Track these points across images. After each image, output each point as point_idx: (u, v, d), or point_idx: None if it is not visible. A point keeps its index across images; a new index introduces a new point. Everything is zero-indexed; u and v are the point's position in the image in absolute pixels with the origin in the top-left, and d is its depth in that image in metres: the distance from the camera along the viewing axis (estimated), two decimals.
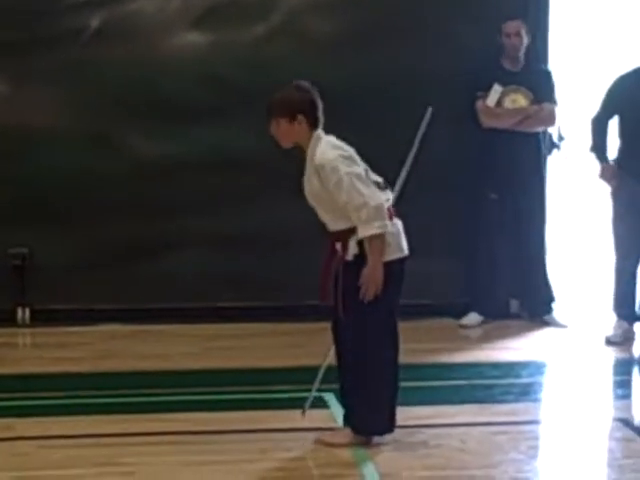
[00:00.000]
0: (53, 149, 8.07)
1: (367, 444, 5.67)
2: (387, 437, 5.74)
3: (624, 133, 7.78)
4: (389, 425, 5.71)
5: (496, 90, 7.98)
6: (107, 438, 5.85)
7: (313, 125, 5.57)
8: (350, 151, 5.56)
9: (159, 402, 6.48)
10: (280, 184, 7.69)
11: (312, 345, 7.29)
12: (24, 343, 8.08)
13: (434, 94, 7.46)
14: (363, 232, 5.44)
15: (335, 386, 5.94)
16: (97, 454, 5.65)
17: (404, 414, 5.94)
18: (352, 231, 5.51)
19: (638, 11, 8.74)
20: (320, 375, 6.00)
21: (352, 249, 5.54)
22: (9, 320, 8.18)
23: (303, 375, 6.12)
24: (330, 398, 6.35)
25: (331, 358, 5.88)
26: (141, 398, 6.58)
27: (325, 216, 5.64)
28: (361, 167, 5.54)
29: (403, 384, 6.02)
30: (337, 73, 7.78)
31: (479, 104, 8.02)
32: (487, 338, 7.98)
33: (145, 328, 8.13)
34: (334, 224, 5.60)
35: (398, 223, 5.63)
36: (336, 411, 6.14)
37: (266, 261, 8.17)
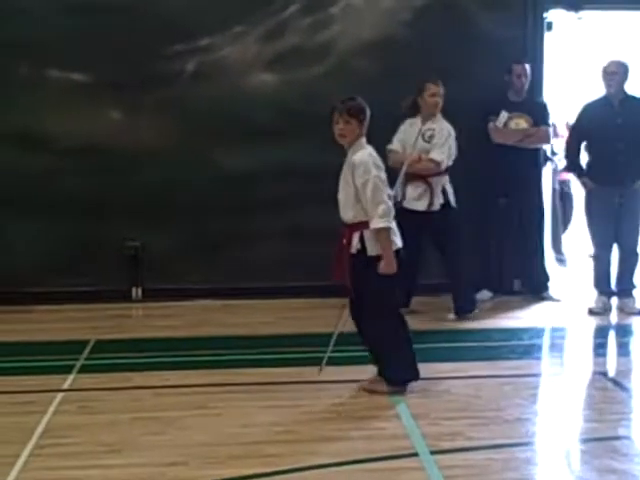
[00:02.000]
0: (159, 165, 8.14)
1: (400, 392, 5.70)
2: (415, 386, 5.77)
3: (591, 151, 7.79)
4: (414, 374, 5.73)
5: (503, 115, 8.00)
6: (200, 387, 5.98)
7: (364, 133, 5.64)
8: (380, 163, 5.64)
9: (241, 360, 6.54)
10: (331, 190, 7.77)
11: None
12: (137, 315, 8.14)
13: (457, 118, 7.53)
14: (377, 224, 5.50)
15: None
16: (193, 400, 5.76)
17: (430, 369, 6.01)
18: (358, 226, 5.57)
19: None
20: (333, 339, 6.07)
21: (355, 244, 5.62)
22: (126, 297, 8.26)
23: (351, 338, 6.13)
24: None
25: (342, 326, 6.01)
26: (227, 357, 6.66)
27: (344, 208, 5.68)
28: (384, 176, 5.60)
29: (430, 345, 6.06)
30: (377, 103, 7.77)
31: (490, 125, 8.03)
32: (496, 310, 7.95)
33: (231, 303, 8.13)
34: (346, 214, 5.66)
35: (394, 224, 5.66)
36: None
37: (321, 249, 8.17)
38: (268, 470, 4.75)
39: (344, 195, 5.70)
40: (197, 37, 8.14)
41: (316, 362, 6.12)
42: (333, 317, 7.15)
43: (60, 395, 5.88)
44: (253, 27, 8.16)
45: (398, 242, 5.67)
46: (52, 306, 7.94)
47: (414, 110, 7.55)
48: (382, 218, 5.51)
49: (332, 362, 6.15)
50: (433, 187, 7.47)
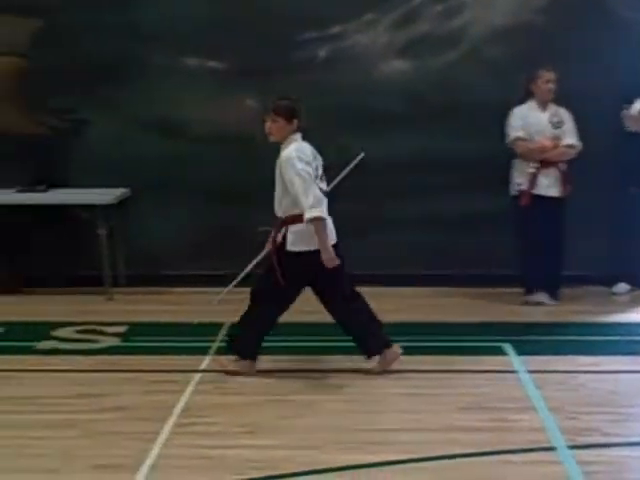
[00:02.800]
0: None
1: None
2: (551, 378, 5.68)
3: None
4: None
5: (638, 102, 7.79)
6: (333, 373, 6.04)
7: (295, 130, 5.78)
8: (309, 157, 5.72)
9: None
10: (464, 178, 7.75)
11: (491, 305, 7.30)
12: None
13: (588, 105, 7.42)
14: (309, 214, 5.56)
15: (514, 338, 5.91)
16: (327, 384, 5.85)
17: (569, 362, 5.91)
18: (286, 220, 5.76)
19: None
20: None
21: (279, 239, 5.82)
22: None
23: (484, 329, 6.09)
24: (507, 347, 6.33)
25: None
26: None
27: (276, 203, 5.85)
28: (312, 171, 5.67)
29: (568, 338, 5.93)
30: (510, 89, 7.68)
31: (624, 112, 7.83)
32: (634, 303, 7.73)
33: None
34: (277, 209, 5.84)
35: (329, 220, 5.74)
36: (514, 359, 6.11)
37: (455, 238, 8.14)
38: (402, 457, 4.76)
39: (277, 190, 5.81)
40: (329, 25, 8.16)
41: (450, 351, 6.07)
42: (462, 306, 7.12)
43: (198, 375, 6.02)
44: (384, 15, 8.13)
45: (333, 237, 5.75)
46: (190, 288, 8.11)
47: (526, 97, 7.51)
48: (314, 208, 5.57)
49: (468, 352, 6.11)
50: (565, 173, 7.40)
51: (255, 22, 8.01)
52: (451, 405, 5.46)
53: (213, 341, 6.71)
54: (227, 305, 7.64)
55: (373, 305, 5.88)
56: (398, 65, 8.20)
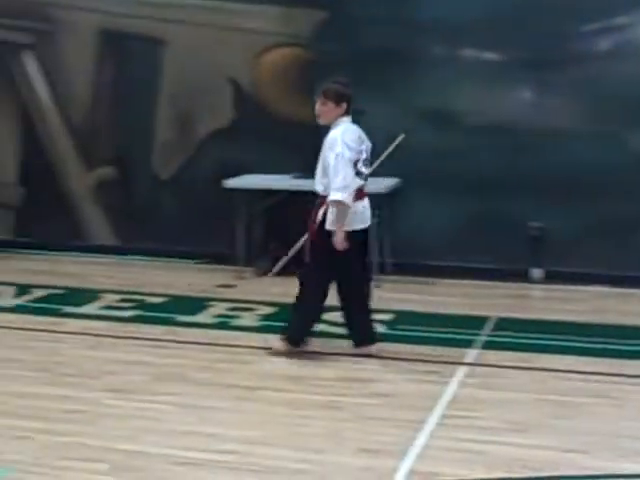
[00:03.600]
0: (566, 145, 7.98)
1: None
2: None
3: None
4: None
5: None
6: (600, 376, 5.81)
7: (343, 114, 5.86)
8: (353, 141, 5.83)
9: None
10: None
11: None
12: (537, 296, 8.03)
13: None
14: (332, 196, 5.71)
15: None
16: (593, 387, 5.63)
17: None
18: (325, 199, 5.82)
19: None
20: None
21: (319, 216, 5.87)
22: (524, 278, 8.20)
23: None
24: None
25: None
26: (628, 347, 6.40)
27: (316, 181, 5.95)
28: (353, 155, 5.78)
29: None
30: None
31: None
32: None
33: (629, 292, 7.84)
34: (317, 187, 5.94)
35: (365, 203, 5.98)
36: None
37: None
38: None
39: (318, 169, 5.88)
40: (612, 15, 7.85)
41: None
42: None
43: (462, 368, 5.96)
44: None
45: (356, 224, 5.85)
46: (454, 280, 8.06)
47: None
48: (338, 191, 5.68)
49: None
50: None
51: (536, 13, 7.83)
52: None
53: (478, 334, 6.62)
54: (494, 299, 7.59)
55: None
56: None
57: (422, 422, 5.06)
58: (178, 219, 8.66)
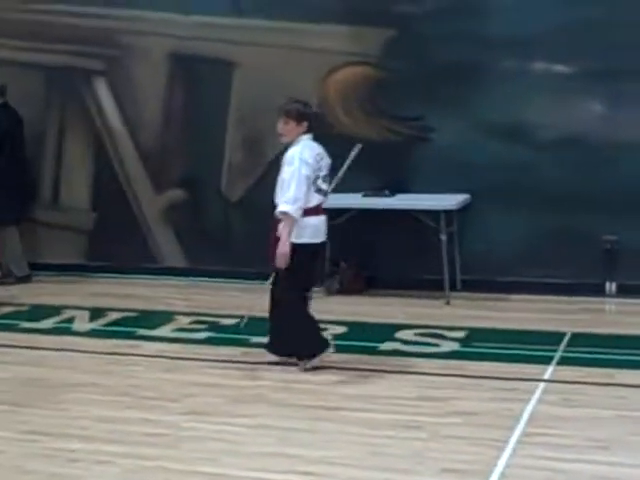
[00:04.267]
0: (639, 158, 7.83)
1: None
2: None
3: None
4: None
5: None
6: None
7: (303, 132, 6.09)
8: (311, 158, 6.02)
9: None
10: None
11: None
12: (611, 310, 7.90)
13: None
14: (280, 207, 5.97)
15: None
16: None
17: None
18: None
19: None
20: None
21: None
22: (599, 292, 8.07)
23: None
24: None
25: None
26: None
27: (277, 196, 6.09)
28: (310, 171, 5.99)
29: None
30: None
31: None
32: None
33: None
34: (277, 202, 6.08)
35: (322, 218, 6.16)
36: None
37: None
38: None
39: (277, 186, 6.07)
40: None
41: None
42: None
43: (542, 385, 5.87)
44: None
45: (308, 238, 6.03)
46: (527, 296, 7.97)
47: None
48: (287, 204, 5.92)
49: None
50: None
51: (603, 25, 7.74)
52: None
53: (555, 350, 6.53)
54: (569, 314, 7.48)
55: None
56: None
57: (504, 441, 4.98)
58: (247, 240, 8.68)
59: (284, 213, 6.00)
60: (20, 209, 9.23)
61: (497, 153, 8.02)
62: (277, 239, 6.06)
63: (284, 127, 6.13)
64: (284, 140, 6.18)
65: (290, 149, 6.13)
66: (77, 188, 9.53)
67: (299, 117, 6.11)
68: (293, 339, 6.24)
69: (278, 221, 6.10)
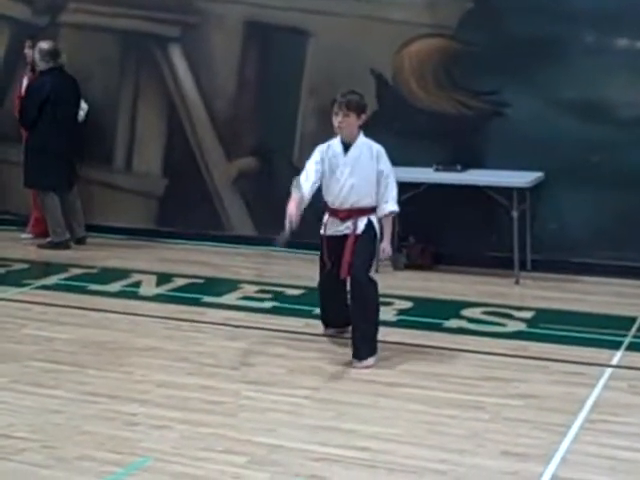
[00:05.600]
0: None
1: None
2: None
3: None
4: None
5: None
6: None
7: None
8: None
9: None
10: None
11: None
12: None
13: None
14: (393, 207, 5.93)
15: None
16: None
17: None
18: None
19: None
20: None
21: (362, 227, 5.95)
22: None
23: None
24: None
25: None
26: None
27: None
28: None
29: None
30: None
31: None
32: None
33: None
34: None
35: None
36: None
37: None
38: None
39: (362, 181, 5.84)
40: None
41: None
42: None
43: (609, 370, 5.73)
44: None
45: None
46: (598, 278, 7.78)
47: None
48: (395, 204, 5.93)
49: None
50: None
51: None
52: None
53: (625, 335, 6.36)
54: (637, 298, 7.28)
55: None
56: None
57: (566, 426, 4.88)
58: (317, 212, 8.60)
59: (393, 212, 5.95)
60: (58, 176, 9.07)
61: (573, 131, 7.81)
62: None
63: (344, 120, 5.85)
64: (344, 134, 5.91)
65: (364, 143, 5.92)
66: (149, 154, 9.56)
67: (359, 110, 5.89)
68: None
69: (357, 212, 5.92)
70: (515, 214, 7.72)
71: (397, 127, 8.23)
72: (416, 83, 8.35)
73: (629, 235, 7.81)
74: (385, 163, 5.93)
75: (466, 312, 6.94)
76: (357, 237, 5.90)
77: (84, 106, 9.38)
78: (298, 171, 6.08)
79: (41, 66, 9.07)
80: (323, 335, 6.34)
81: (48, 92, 8.97)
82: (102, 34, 9.54)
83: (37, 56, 9.07)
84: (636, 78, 7.70)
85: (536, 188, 7.91)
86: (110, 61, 9.54)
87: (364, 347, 5.80)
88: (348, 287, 5.94)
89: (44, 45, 9.06)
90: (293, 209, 5.77)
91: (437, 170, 8.07)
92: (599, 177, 7.81)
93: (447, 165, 8.07)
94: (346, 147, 5.93)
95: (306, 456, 4.52)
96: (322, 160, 5.96)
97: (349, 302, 5.96)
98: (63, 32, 9.69)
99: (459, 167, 8.03)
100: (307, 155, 6.13)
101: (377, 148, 5.95)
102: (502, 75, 8.01)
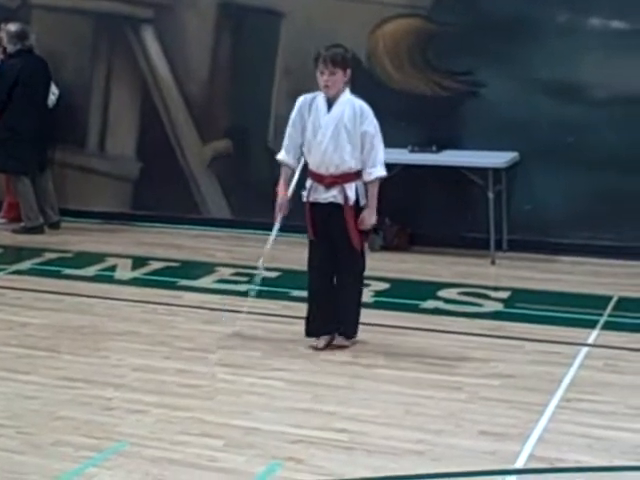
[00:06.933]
0: None
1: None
2: None
3: None
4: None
5: None
6: None
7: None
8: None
9: None
10: None
11: None
12: None
13: None
14: (380, 173, 5.65)
15: None
16: None
17: None
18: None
19: None
20: None
21: (352, 196, 5.72)
22: None
23: None
24: None
25: None
26: None
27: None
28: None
29: None
30: None
31: None
32: None
33: None
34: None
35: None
36: None
37: None
38: None
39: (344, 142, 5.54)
40: None
41: None
42: None
43: (585, 349, 5.75)
44: None
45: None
46: (574, 258, 7.80)
47: None
48: (382, 168, 5.65)
49: None
50: None
51: None
52: None
53: (601, 314, 6.39)
54: (617, 278, 7.31)
55: None
56: None
57: (543, 405, 4.90)
58: (293, 194, 8.56)
59: (380, 177, 5.63)
60: (29, 159, 8.97)
61: (548, 111, 7.81)
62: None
63: (330, 78, 5.51)
64: (330, 93, 5.60)
65: (348, 101, 5.60)
66: (123, 137, 9.48)
67: (344, 64, 5.59)
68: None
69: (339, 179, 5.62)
70: (491, 195, 7.72)
71: (372, 108, 8.17)
72: (391, 64, 8.32)
73: (604, 215, 7.82)
74: (370, 123, 5.56)
75: (442, 293, 6.95)
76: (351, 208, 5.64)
77: (55, 91, 9.27)
78: (272, 153, 6.02)
79: (9, 48, 8.96)
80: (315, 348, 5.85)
81: (17, 74, 8.87)
82: (74, 16, 9.43)
83: (5, 38, 8.96)
84: (611, 58, 7.69)
85: (512, 168, 7.91)
86: (83, 43, 9.43)
87: (351, 325, 5.79)
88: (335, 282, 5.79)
89: (11, 27, 8.95)
90: (284, 200, 5.88)
91: (412, 151, 8.05)
92: (574, 157, 7.82)
93: (422, 146, 8.05)
94: (330, 104, 5.62)
95: (283, 438, 4.51)
96: (302, 116, 5.69)
97: (336, 277, 5.79)
98: (35, 14, 9.58)
99: (434, 148, 8.01)
100: (281, 137, 6.07)
101: (360, 105, 5.58)
102: (477, 55, 7.99)
